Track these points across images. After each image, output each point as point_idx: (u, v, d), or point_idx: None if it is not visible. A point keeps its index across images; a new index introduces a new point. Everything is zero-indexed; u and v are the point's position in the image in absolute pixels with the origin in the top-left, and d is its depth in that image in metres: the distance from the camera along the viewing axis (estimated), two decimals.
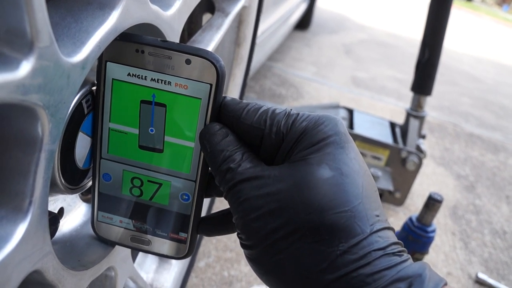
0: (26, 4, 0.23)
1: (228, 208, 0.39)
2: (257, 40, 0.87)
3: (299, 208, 0.31)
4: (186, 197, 0.40)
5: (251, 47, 0.84)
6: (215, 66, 0.35)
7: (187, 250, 0.42)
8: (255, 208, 0.33)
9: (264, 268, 0.34)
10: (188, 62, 0.35)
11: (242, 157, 0.35)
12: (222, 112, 0.37)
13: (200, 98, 0.36)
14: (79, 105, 0.39)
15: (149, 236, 0.43)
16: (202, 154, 0.38)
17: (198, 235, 0.43)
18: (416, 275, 0.30)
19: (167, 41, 0.36)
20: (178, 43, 0.36)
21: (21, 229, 0.28)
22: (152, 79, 0.36)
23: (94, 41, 0.31)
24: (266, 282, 0.35)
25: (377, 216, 0.32)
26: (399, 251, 0.32)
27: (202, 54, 0.35)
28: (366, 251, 0.30)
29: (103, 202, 0.42)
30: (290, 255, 0.32)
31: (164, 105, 0.37)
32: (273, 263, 0.32)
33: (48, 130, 0.28)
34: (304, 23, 3.97)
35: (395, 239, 0.33)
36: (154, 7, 0.39)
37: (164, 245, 0.43)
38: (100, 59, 0.36)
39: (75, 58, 0.29)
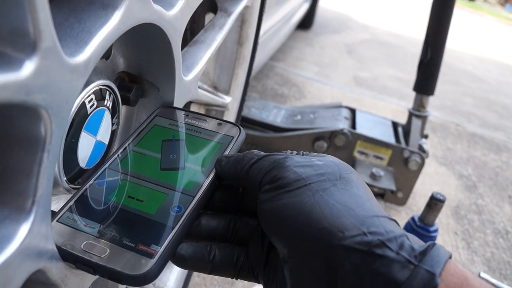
0: (28, 4, 0.23)
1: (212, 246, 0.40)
2: (260, 40, 0.87)
3: (337, 167, 0.38)
4: (178, 210, 0.38)
5: (254, 47, 0.84)
6: (239, 128, 0.49)
7: (151, 267, 0.34)
8: (296, 161, 0.37)
9: (294, 208, 0.34)
10: (219, 124, 0.50)
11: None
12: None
13: (221, 143, 0.48)
14: (82, 105, 0.39)
15: (109, 244, 0.35)
16: (210, 178, 0.42)
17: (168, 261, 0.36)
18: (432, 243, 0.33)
19: (208, 114, 0.54)
20: (217, 117, 0.51)
21: (24, 228, 0.29)
22: (188, 129, 0.49)
23: (97, 41, 0.32)
24: (283, 228, 0.34)
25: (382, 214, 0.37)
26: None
27: (231, 122, 0.50)
28: (385, 214, 0.35)
29: (80, 204, 0.38)
30: (329, 193, 0.34)
31: (188, 140, 0.48)
32: (315, 196, 0.34)
33: (51, 130, 0.28)
34: (306, 22, 3.97)
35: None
36: (157, 7, 0.39)
37: (123, 257, 0.34)
38: (150, 116, 0.49)
39: (78, 58, 0.29)
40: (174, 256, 0.37)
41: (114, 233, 0.36)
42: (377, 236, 0.31)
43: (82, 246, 0.35)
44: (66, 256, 0.34)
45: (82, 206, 0.38)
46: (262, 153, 0.40)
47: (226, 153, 0.46)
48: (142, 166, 0.43)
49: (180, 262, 0.38)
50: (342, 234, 0.32)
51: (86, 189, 0.40)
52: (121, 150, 0.44)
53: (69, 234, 0.36)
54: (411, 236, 0.33)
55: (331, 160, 0.38)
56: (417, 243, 0.32)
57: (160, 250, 0.35)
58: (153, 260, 0.34)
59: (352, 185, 0.36)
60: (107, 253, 0.35)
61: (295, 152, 0.41)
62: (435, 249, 0.31)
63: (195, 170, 0.43)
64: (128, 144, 0.45)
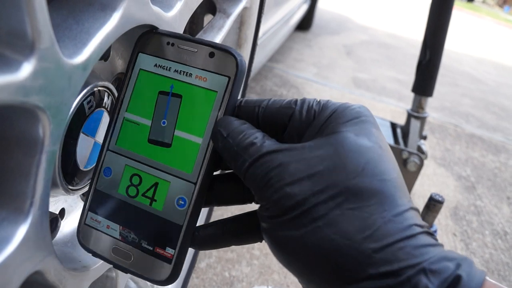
0: (27, 6, 0.23)
1: (227, 217, 0.37)
2: (259, 41, 0.87)
3: (342, 172, 0.29)
4: (183, 203, 0.38)
5: (253, 48, 0.84)
6: (236, 59, 0.37)
7: (170, 273, 0.37)
8: (291, 173, 0.30)
9: (293, 241, 0.30)
10: (211, 55, 0.37)
11: (263, 137, 0.33)
12: (243, 105, 0.36)
13: (216, 91, 0.37)
14: (80, 106, 0.39)
15: (132, 249, 0.38)
16: (208, 154, 0.37)
17: (184, 260, 0.38)
18: (462, 258, 0.28)
19: (195, 37, 0.39)
20: (206, 40, 0.39)
21: (22, 230, 0.28)
22: (175, 70, 0.38)
23: (96, 43, 0.32)
24: (293, 261, 0.31)
25: (408, 199, 0.31)
26: (432, 234, 0.30)
27: (226, 48, 0.37)
28: (409, 224, 0.28)
29: (96, 202, 0.39)
30: (328, 223, 0.28)
31: (180, 96, 0.38)
32: (308, 232, 0.29)
33: (49, 132, 0.28)
34: (305, 24, 3.97)
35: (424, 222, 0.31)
36: (155, 8, 0.39)
37: (146, 262, 0.37)
38: (133, 51, 0.39)
39: (77, 60, 0.29)
40: (192, 244, 0.37)
41: (133, 235, 0.38)
42: (386, 280, 0.27)
43: (111, 252, 0.38)
44: (99, 258, 0.39)
45: (97, 204, 0.39)
46: (260, 139, 0.33)
47: (222, 110, 0.37)
48: (138, 144, 0.39)
49: (200, 248, 0.38)
50: (343, 283, 0.28)
51: (96, 183, 0.39)
52: (114, 123, 0.39)
53: (96, 238, 0.39)
54: (439, 256, 0.27)
55: (341, 148, 0.31)
56: (439, 277, 0.26)
57: (175, 253, 0.37)
58: (171, 266, 0.36)
59: (363, 197, 0.29)
60: (132, 259, 0.37)
61: (306, 104, 0.34)
62: (462, 284, 0.26)
63: (190, 143, 0.38)
64: (119, 111, 0.39)
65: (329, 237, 0.28)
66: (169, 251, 0.37)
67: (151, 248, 0.37)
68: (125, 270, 0.38)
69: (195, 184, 0.37)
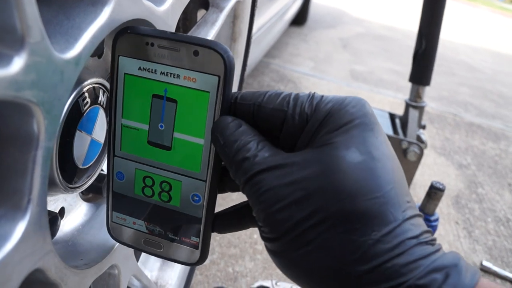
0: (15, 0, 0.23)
1: (243, 202, 0.38)
2: (253, 37, 0.87)
3: (329, 195, 0.29)
4: (197, 199, 0.39)
5: (247, 42, 0.84)
6: (222, 57, 0.34)
7: (199, 256, 0.40)
8: (279, 198, 0.31)
9: (290, 262, 0.31)
10: (196, 53, 0.34)
11: (257, 146, 0.33)
12: (239, 103, 0.35)
13: (209, 92, 0.35)
14: (75, 103, 0.39)
15: (161, 240, 0.41)
16: (212, 152, 0.37)
17: (210, 242, 0.40)
18: (452, 265, 0.28)
19: (176, 33, 0.36)
20: (186, 35, 0.36)
21: (20, 227, 0.28)
22: (161, 72, 0.36)
23: (87, 38, 0.31)
24: (291, 277, 0.32)
25: (408, 202, 0.31)
26: (431, 240, 0.30)
27: (210, 45, 0.34)
28: (400, 240, 0.29)
29: (117, 202, 0.41)
30: (319, 247, 0.29)
31: (175, 100, 0.36)
32: (300, 256, 0.30)
33: (44, 127, 0.28)
34: (300, 18, 3.97)
35: (425, 227, 0.31)
36: (147, 3, 0.39)
37: (176, 249, 0.41)
38: (113, 54, 0.36)
39: (68, 55, 0.29)
40: (213, 230, 0.40)
41: (159, 229, 0.41)
42: None
43: (143, 243, 0.41)
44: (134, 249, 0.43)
45: (118, 204, 0.41)
46: (253, 151, 0.33)
47: (218, 110, 0.36)
48: (141, 148, 0.39)
49: (221, 233, 0.40)
50: None
51: (112, 187, 0.41)
52: (113, 129, 0.39)
53: (125, 233, 0.42)
54: (428, 269, 0.28)
55: (329, 168, 0.30)
56: None
57: (200, 240, 0.40)
58: (198, 250, 0.40)
59: (352, 220, 0.29)
60: (163, 248, 0.41)
61: (299, 105, 0.33)
62: None
63: (193, 144, 0.37)
64: (115, 117, 0.38)
65: (320, 260, 0.29)
66: (194, 239, 0.40)
67: (178, 238, 0.40)
68: (160, 257, 0.42)
69: (205, 181, 0.38)
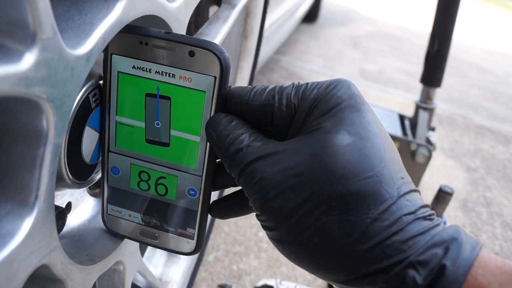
0: None
1: (241, 189, 0.38)
2: (265, 33, 0.86)
3: (322, 179, 0.29)
4: (193, 193, 0.40)
5: (259, 40, 0.83)
6: (218, 58, 0.34)
7: (195, 246, 0.42)
8: (273, 185, 0.31)
9: (292, 248, 0.31)
10: (191, 54, 0.35)
11: (250, 138, 0.33)
12: (228, 100, 0.36)
13: (205, 91, 0.35)
14: (85, 99, 0.38)
15: (157, 231, 0.42)
16: (208, 149, 0.38)
17: (206, 232, 0.43)
18: (451, 238, 0.28)
19: (171, 32, 0.36)
20: (181, 35, 0.35)
21: (27, 223, 0.28)
22: (156, 71, 0.36)
23: (99, 33, 0.31)
24: (295, 261, 0.33)
25: (402, 178, 0.31)
26: (429, 215, 0.30)
27: (205, 45, 0.34)
28: (396, 217, 0.29)
29: (112, 196, 0.42)
30: (317, 231, 0.30)
31: (168, 98, 0.36)
32: (300, 242, 0.30)
33: (53, 124, 0.28)
34: (311, 16, 3.94)
35: (422, 202, 0.31)
36: None
37: (172, 240, 0.42)
38: (106, 52, 0.36)
39: (80, 50, 0.29)
40: (212, 215, 0.41)
41: (155, 221, 0.42)
42: (377, 278, 0.28)
43: (138, 234, 0.43)
44: (130, 240, 0.44)
45: (114, 197, 0.42)
46: (246, 143, 0.33)
47: (213, 109, 0.36)
48: (137, 144, 0.39)
49: (220, 218, 0.41)
50: (341, 281, 0.30)
51: (107, 181, 0.42)
52: (108, 125, 0.39)
53: (121, 224, 0.43)
54: (427, 245, 0.28)
55: (320, 152, 0.30)
56: (427, 267, 0.27)
57: (196, 231, 0.41)
58: (194, 241, 0.42)
59: (347, 201, 0.29)
60: (159, 239, 0.42)
61: (284, 97, 0.34)
62: (446, 274, 0.27)
63: (189, 141, 0.38)
64: (110, 114, 0.39)
65: (320, 244, 0.30)
66: (190, 230, 0.41)
67: (174, 229, 0.42)
68: (156, 247, 0.43)
69: (201, 176, 0.39)
